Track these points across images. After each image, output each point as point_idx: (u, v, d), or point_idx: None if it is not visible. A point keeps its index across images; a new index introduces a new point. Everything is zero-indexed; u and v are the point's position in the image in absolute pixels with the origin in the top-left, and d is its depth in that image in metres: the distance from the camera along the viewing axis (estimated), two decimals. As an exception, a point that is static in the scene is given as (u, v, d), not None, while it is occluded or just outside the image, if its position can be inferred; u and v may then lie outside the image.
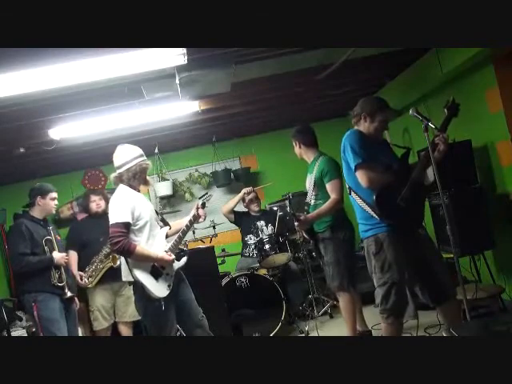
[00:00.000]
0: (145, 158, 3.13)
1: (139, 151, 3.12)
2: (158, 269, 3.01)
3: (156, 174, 5.70)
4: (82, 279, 4.26)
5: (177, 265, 3.13)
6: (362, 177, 2.75)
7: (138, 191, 3.14)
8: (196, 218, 3.24)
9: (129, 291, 4.37)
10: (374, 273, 2.87)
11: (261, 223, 5.08)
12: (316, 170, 3.62)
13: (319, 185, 3.61)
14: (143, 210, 3.03)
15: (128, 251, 2.87)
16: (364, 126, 2.94)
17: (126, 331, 4.51)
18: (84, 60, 2.37)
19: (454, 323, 2.81)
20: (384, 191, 2.74)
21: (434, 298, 2.86)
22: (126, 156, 3.07)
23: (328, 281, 3.79)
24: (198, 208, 3.24)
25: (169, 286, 3.03)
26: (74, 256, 4.32)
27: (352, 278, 3.69)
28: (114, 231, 2.88)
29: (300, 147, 3.78)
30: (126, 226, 2.91)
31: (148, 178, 3.20)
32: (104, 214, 4.40)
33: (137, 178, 3.08)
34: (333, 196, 3.51)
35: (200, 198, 3.34)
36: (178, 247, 3.17)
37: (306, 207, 3.58)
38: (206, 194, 3.40)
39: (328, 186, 3.55)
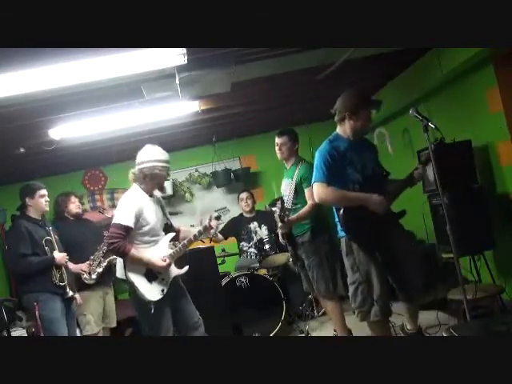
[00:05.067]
0: (164, 164, 3.05)
1: (160, 156, 3.04)
2: (153, 272, 2.99)
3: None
4: (83, 273, 4.15)
5: (176, 272, 3.10)
6: (315, 193, 2.90)
7: (151, 195, 3.11)
8: (207, 229, 3.15)
9: (112, 295, 4.40)
10: (347, 271, 3.02)
11: (254, 225, 5.07)
12: (296, 175, 3.68)
13: (299, 190, 3.67)
14: (149, 216, 3.01)
15: (122, 253, 2.90)
16: (349, 125, 2.91)
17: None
18: (84, 60, 2.36)
19: (410, 320, 3.15)
20: (351, 209, 2.85)
21: (401, 296, 3.04)
22: (144, 156, 3.04)
23: (308, 285, 3.81)
24: (211, 219, 3.15)
25: (162, 290, 2.99)
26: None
27: (335, 280, 3.72)
28: (113, 231, 2.90)
29: (284, 150, 3.79)
30: (126, 230, 2.92)
31: (164, 185, 3.15)
32: (82, 217, 4.41)
33: (147, 181, 3.04)
34: (310, 202, 3.58)
35: (216, 211, 3.26)
36: (180, 255, 3.12)
37: (286, 212, 3.60)
38: (225, 208, 3.33)
39: (306, 192, 3.61)
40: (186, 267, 3.15)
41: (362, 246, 2.88)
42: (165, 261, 3.00)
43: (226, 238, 5.15)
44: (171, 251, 3.09)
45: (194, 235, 3.14)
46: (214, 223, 3.15)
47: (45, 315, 3.51)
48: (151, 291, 2.96)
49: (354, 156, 2.91)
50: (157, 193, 3.23)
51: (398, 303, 3.27)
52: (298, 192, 3.69)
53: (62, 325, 3.55)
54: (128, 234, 2.93)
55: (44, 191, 3.73)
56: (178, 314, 3.11)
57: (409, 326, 3.26)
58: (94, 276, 4.11)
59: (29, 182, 3.83)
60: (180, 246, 3.12)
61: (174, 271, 3.09)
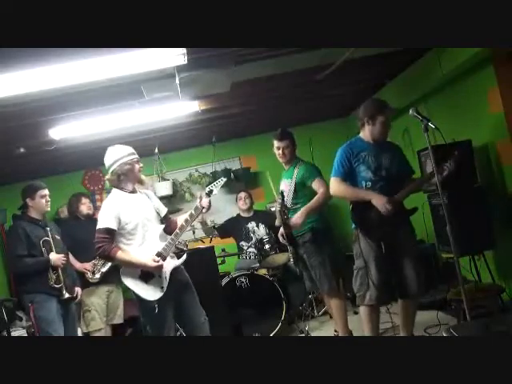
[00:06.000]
0: (129, 157, 2.99)
1: (123, 152, 3.00)
2: (148, 272, 2.93)
3: (156, 174, 5.70)
4: (87, 272, 4.21)
5: (172, 264, 3.02)
6: (330, 186, 3.28)
7: (132, 192, 3.06)
8: (198, 210, 3.01)
9: (119, 293, 4.49)
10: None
11: (252, 224, 5.07)
12: (296, 175, 3.69)
13: (299, 189, 3.69)
14: (132, 213, 2.96)
15: (108, 256, 2.89)
16: (368, 130, 3.21)
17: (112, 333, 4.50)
18: (84, 60, 2.37)
19: (404, 322, 3.29)
20: (360, 203, 3.15)
21: (398, 292, 3.25)
22: (110, 159, 3.01)
23: (311, 284, 3.80)
24: (201, 198, 3.01)
25: (162, 287, 2.94)
26: (71, 256, 4.25)
27: (337, 278, 3.73)
28: (97, 237, 2.89)
29: (287, 153, 3.78)
30: (108, 232, 2.89)
31: (142, 176, 3.10)
32: (94, 217, 4.38)
33: (123, 180, 3.01)
34: (321, 190, 3.60)
35: (207, 186, 3.08)
36: (173, 246, 3.01)
37: (285, 210, 3.60)
38: (221, 179, 3.10)
39: (314, 185, 3.64)
40: (184, 257, 3.08)
41: (365, 235, 3.16)
42: (156, 261, 2.91)
43: (221, 238, 5.16)
44: (163, 245, 2.98)
45: (186, 220, 3.01)
46: (204, 202, 3.00)
47: (40, 316, 3.51)
48: (150, 291, 2.93)
49: (370, 157, 3.18)
50: (141, 188, 3.15)
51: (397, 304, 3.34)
52: (298, 192, 3.69)
53: (57, 326, 3.53)
54: (112, 235, 2.90)
55: (45, 191, 3.68)
56: (183, 310, 3.05)
57: (402, 333, 3.27)
58: (97, 275, 4.19)
59: (31, 182, 3.81)
60: (172, 236, 3.00)
61: (171, 264, 3.01)
